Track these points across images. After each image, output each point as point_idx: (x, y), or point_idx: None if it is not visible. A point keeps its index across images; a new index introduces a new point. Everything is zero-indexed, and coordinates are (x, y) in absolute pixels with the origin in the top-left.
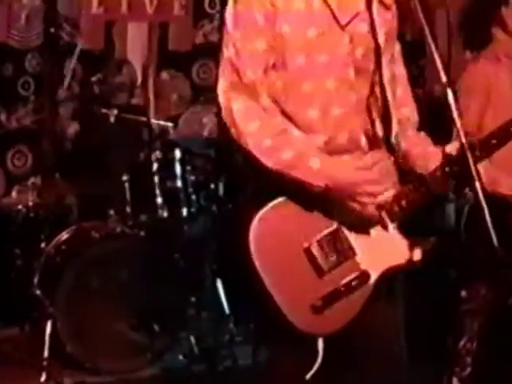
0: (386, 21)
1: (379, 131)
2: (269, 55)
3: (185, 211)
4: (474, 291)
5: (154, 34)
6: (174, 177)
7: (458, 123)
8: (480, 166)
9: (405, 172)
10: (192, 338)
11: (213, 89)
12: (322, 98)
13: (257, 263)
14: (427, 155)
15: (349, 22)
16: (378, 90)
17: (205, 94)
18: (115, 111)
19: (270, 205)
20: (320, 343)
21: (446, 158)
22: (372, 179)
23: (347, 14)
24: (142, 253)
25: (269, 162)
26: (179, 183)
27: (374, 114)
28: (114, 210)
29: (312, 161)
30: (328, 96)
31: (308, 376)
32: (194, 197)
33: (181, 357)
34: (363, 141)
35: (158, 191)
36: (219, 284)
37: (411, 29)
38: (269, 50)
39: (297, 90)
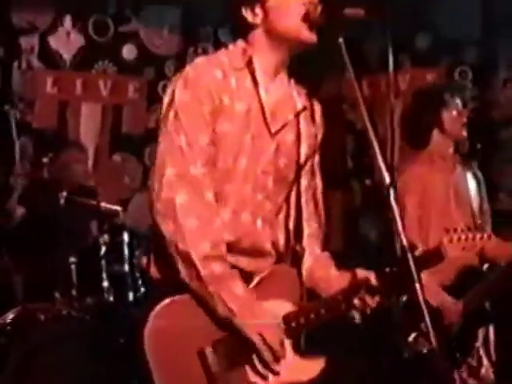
0: (310, 134)
1: (291, 241)
2: (209, 149)
3: (131, 295)
4: None
5: (107, 116)
6: (122, 260)
7: (399, 224)
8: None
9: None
10: None
11: None
12: (237, 202)
13: (149, 360)
14: (330, 279)
15: (279, 131)
16: (293, 199)
17: None
18: (65, 193)
19: (168, 301)
20: None
21: (365, 283)
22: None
23: (278, 122)
24: (88, 336)
25: (202, 271)
26: (126, 267)
27: (287, 224)
28: (60, 291)
29: (236, 285)
30: (243, 201)
31: None
32: (140, 281)
33: None
34: (269, 249)
35: (104, 275)
36: None
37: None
38: (210, 144)
39: (219, 189)
